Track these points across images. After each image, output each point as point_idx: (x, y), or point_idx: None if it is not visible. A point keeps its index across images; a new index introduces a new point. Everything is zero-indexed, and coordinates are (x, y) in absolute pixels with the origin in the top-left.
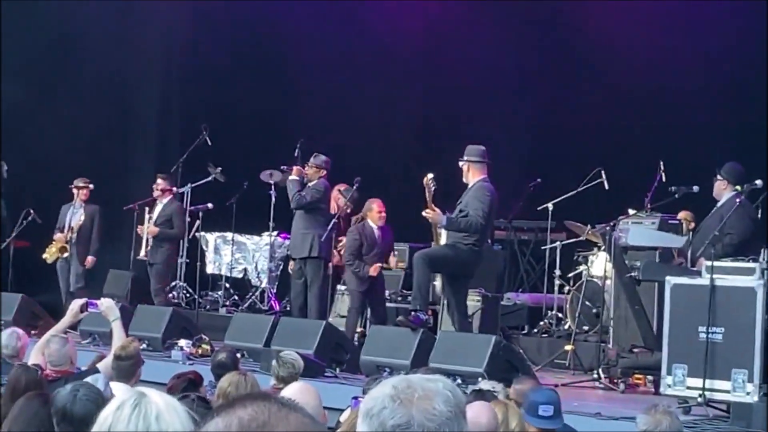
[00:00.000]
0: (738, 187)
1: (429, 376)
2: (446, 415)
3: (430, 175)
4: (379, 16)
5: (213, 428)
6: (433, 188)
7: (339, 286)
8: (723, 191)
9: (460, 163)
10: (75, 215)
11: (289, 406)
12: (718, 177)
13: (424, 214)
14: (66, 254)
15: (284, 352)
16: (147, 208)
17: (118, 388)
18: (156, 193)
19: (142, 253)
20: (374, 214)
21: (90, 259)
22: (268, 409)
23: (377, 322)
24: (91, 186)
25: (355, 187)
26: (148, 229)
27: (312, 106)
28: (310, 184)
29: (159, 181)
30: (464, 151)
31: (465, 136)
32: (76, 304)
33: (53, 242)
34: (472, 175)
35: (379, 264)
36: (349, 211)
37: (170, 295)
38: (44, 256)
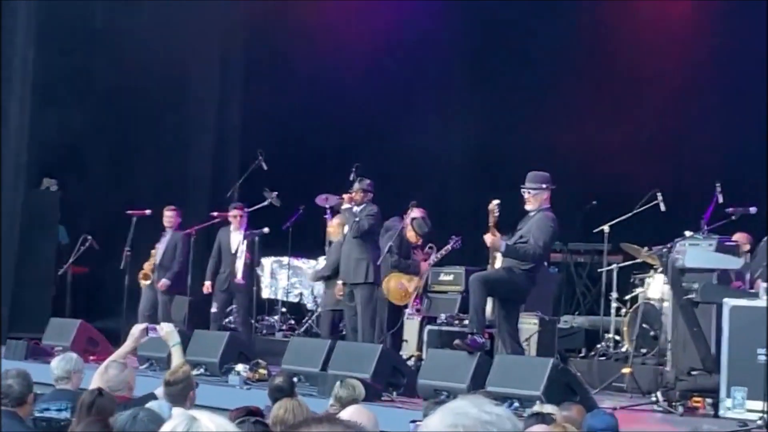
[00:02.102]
0: None
1: (488, 409)
2: None
3: (496, 202)
4: (432, 44)
5: None
6: (497, 214)
7: (405, 310)
8: None
9: (523, 192)
10: (162, 243)
11: (353, 428)
12: None
13: (485, 238)
14: (148, 281)
15: (349, 378)
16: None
17: (175, 413)
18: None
19: (239, 276)
20: (333, 227)
21: (163, 282)
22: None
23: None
24: (177, 214)
25: (411, 208)
26: (241, 260)
27: (368, 129)
28: (357, 209)
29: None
30: (526, 178)
31: (520, 158)
32: (137, 329)
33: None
34: (535, 202)
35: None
36: (419, 243)
37: (227, 320)
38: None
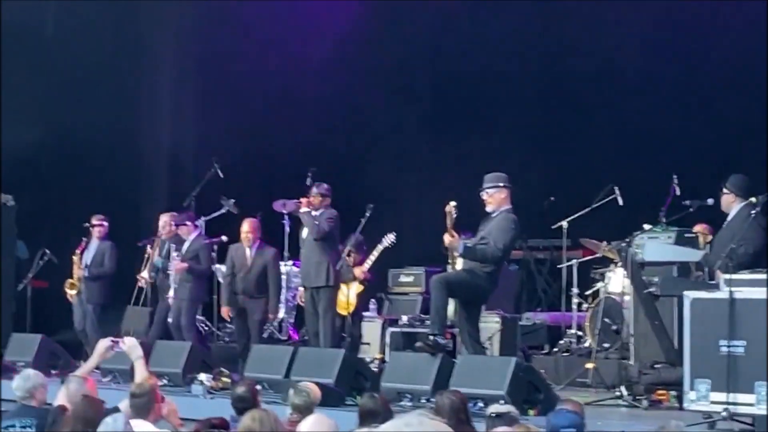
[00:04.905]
0: (753, 199)
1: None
2: None
3: (453, 203)
4: (387, 43)
5: None
6: (455, 215)
7: (364, 313)
8: (731, 204)
9: (482, 194)
10: (89, 253)
11: None
12: (725, 190)
13: (444, 237)
14: (74, 291)
15: (302, 382)
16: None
17: (138, 426)
18: (177, 230)
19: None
20: (241, 234)
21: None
22: None
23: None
24: (106, 223)
25: (368, 213)
26: (176, 265)
27: (323, 134)
28: (316, 213)
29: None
30: (484, 180)
31: (477, 156)
32: (102, 345)
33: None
34: (496, 203)
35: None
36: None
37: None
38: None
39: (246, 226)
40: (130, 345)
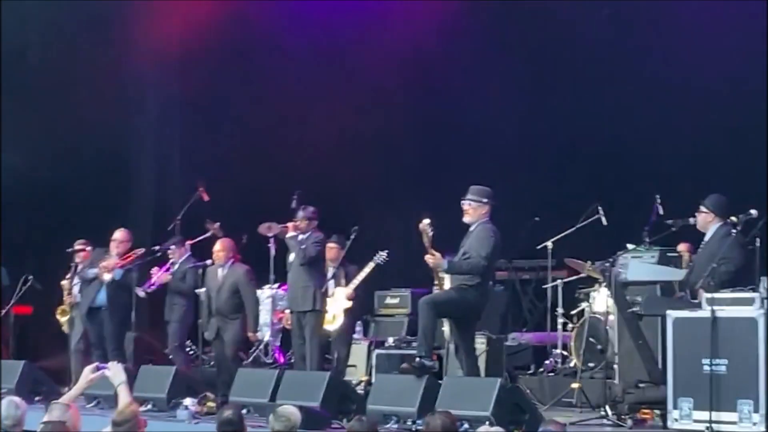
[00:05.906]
0: (734, 218)
1: None
2: None
3: (426, 221)
4: (372, 61)
5: None
6: (431, 233)
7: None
8: (709, 223)
9: (463, 204)
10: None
11: None
12: (703, 209)
13: (425, 259)
14: (66, 317)
15: (281, 406)
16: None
17: None
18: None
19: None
20: (214, 253)
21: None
22: None
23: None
24: (89, 248)
25: (353, 236)
26: (159, 277)
27: (306, 156)
28: (302, 236)
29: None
30: (468, 191)
31: (461, 176)
32: (88, 370)
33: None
34: (475, 216)
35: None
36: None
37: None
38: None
39: (217, 245)
40: (113, 371)
